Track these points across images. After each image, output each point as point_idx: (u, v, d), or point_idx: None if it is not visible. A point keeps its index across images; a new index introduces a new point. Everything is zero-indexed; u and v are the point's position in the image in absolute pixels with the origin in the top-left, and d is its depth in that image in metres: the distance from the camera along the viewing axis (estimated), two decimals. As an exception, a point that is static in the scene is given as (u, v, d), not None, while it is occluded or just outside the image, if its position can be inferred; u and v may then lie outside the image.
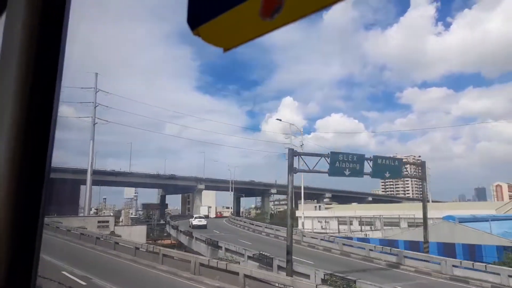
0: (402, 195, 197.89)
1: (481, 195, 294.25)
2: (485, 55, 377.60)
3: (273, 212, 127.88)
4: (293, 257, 23.51)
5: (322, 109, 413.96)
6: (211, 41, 0.88)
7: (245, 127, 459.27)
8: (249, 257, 22.07)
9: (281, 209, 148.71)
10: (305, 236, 34.86)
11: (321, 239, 31.75)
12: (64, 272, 19.24)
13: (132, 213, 64.73)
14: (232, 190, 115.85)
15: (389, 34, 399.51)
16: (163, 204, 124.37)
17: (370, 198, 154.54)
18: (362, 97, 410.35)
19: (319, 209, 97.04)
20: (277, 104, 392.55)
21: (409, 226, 63.25)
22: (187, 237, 34.17)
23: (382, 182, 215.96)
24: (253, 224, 46.48)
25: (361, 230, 60.05)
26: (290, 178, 18.57)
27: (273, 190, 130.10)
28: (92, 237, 28.69)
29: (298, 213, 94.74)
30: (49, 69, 0.81)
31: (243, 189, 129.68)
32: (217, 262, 17.55)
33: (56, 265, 20.46)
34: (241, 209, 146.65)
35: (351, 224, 72.02)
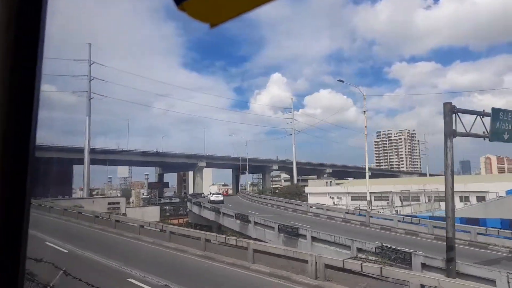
0: (397, 169, 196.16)
1: (466, 167, 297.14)
2: (473, 28, 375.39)
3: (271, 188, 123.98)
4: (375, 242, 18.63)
5: (311, 85, 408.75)
6: (197, 17, 0.83)
7: (233, 104, 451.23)
8: (361, 250, 16.88)
9: (277, 185, 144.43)
10: (371, 216, 29.89)
11: (399, 221, 26.78)
12: (132, 280, 13.80)
13: (143, 193, 58.67)
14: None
15: (378, 8, 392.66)
16: (162, 183, 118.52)
17: (369, 173, 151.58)
18: (350, 72, 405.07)
19: (330, 185, 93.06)
20: (266, 80, 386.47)
21: (429, 200, 59.68)
22: (239, 221, 28.78)
23: (376, 156, 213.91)
24: (291, 203, 41.31)
25: (393, 206, 55.96)
26: (449, 144, 13.08)
27: (275, 166, 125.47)
28: (132, 226, 23.12)
29: (307, 190, 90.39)
30: (29, 47, 0.76)
31: (241, 166, 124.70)
32: (361, 264, 12.31)
33: (118, 271, 14.97)
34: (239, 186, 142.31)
35: (387, 200, 68.03)
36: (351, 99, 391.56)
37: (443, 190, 49.60)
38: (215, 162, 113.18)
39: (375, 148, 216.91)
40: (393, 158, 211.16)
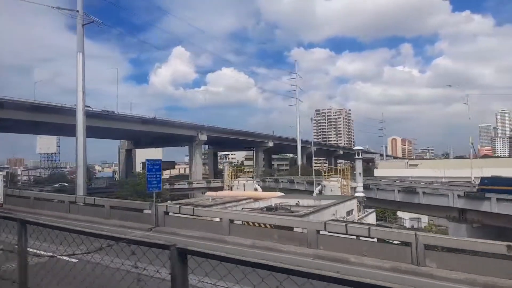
0: (334, 144, 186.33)
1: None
2: (362, 22, 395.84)
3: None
4: None
5: (214, 62, 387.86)
6: None
7: (130, 76, 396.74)
8: None
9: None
10: None
11: None
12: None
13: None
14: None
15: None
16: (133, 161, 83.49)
17: (341, 152, 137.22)
18: (253, 52, 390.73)
19: (408, 167, 73.52)
20: (167, 54, 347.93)
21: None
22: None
23: (315, 133, 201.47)
24: None
25: None
26: None
27: (270, 143, 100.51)
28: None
29: (378, 172, 69.55)
30: None
31: (218, 142, 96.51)
32: None
33: None
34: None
35: None
36: (253, 79, 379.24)
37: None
38: (217, 135, 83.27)
39: (314, 126, 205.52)
40: (331, 135, 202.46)
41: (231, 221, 11.71)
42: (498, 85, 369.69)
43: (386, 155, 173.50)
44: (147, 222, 13.55)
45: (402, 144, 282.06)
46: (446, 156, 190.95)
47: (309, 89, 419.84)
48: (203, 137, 78.78)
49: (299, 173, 63.10)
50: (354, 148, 37.27)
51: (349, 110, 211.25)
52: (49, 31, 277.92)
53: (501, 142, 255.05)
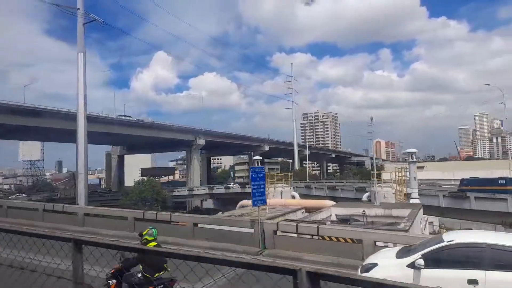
0: (322, 146, 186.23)
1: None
2: (342, 27, 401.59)
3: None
4: None
5: (196, 67, 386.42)
6: None
7: (111, 81, 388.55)
8: None
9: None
10: None
11: None
12: None
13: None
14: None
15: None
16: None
17: (332, 155, 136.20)
18: (235, 57, 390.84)
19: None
20: (149, 58, 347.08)
21: None
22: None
23: (302, 136, 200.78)
24: None
25: None
26: None
27: (266, 147, 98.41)
28: None
29: (385, 176, 68.22)
30: None
31: (213, 146, 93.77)
32: None
33: None
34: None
35: None
36: (235, 84, 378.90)
37: None
38: (213, 139, 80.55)
39: (301, 129, 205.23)
40: (319, 139, 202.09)
41: (375, 243, 9.53)
42: (473, 89, 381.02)
43: (376, 158, 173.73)
44: (247, 243, 11.10)
45: (386, 147, 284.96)
46: (431, 158, 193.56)
47: (291, 94, 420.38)
48: (201, 141, 76.01)
49: (307, 178, 61.13)
50: (407, 151, 35.18)
51: (336, 113, 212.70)
52: (26, 35, 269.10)
53: (482, 144, 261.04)
